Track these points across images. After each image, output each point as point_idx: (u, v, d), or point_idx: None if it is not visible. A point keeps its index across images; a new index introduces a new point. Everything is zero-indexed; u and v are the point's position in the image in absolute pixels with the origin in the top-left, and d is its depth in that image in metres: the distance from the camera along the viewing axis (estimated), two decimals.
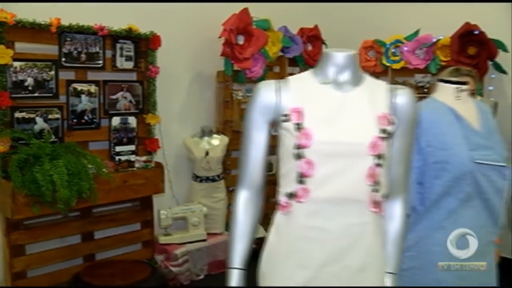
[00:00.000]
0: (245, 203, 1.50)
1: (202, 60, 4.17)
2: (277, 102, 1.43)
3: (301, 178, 1.37)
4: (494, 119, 2.02)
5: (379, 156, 1.36)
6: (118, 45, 3.50)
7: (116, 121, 3.55)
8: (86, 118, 3.40)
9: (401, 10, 4.60)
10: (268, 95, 1.44)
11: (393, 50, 4.34)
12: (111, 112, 3.53)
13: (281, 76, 4.50)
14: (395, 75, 4.45)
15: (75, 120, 3.34)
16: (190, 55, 4.14)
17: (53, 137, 3.21)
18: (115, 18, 3.47)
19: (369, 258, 1.41)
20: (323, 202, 1.37)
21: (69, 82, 3.30)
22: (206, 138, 4.05)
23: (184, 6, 4.01)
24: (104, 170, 3.21)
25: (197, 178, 4.01)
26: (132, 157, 3.59)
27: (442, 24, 4.10)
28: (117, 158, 3.53)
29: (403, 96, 1.45)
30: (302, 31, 4.53)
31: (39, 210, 2.93)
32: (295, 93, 1.43)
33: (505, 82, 4.05)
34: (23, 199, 2.88)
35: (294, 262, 1.41)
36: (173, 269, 3.69)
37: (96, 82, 3.43)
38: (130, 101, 3.62)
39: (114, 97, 3.53)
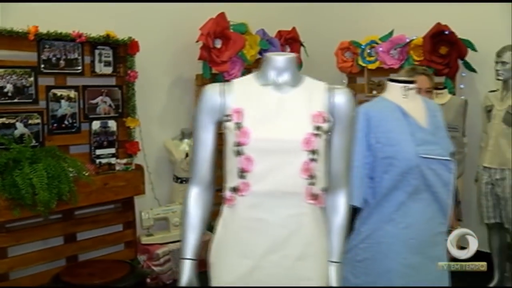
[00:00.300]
0: (195, 198, 1.61)
1: (181, 64, 4.26)
2: (221, 104, 1.53)
3: (242, 173, 1.48)
4: (442, 117, 2.12)
5: (313, 152, 1.47)
6: (97, 51, 3.59)
7: (96, 125, 3.64)
8: (66, 122, 3.49)
9: (377, 11, 4.71)
10: (213, 97, 1.55)
11: (368, 51, 4.45)
12: (91, 116, 3.61)
13: None
14: (371, 75, 4.56)
15: (55, 125, 3.43)
16: (169, 59, 4.23)
17: (34, 141, 3.29)
18: (93, 25, 3.56)
19: (308, 247, 1.51)
20: (263, 195, 1.48)
21: (49, 88, 3.38)
22: (186, 140, 4.14)
23: (162, 11, 4.11)
24: (84, 173, 3.30)
25: (177, 179, 4.10)
26: (113, 160, 3.67)
27: (415, 25, 4.22)
28: (97, 161, 3.62)
29: (341, 96, 1.55)
30: (280, 33, 4.64)
31: (20, 213, 3.00)
32: (237, 94, 1.54)
33: (476, 80, 4.16)
34: (3, 203, 2.96)
35: (238, 252, 1.51)
36: (155, 268, 3.78)
37: (75, 88, 3.52)
38: (110, 105, 3.71)
39: (93, 101, 3.62)
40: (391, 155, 1.93)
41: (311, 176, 1.48)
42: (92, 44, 3.54)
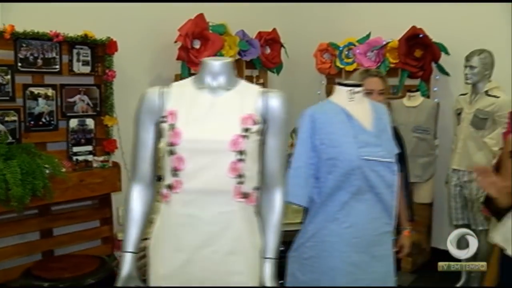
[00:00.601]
0: (137, 195, 1.71)
1: (161, 64, 4.33)
2: (159, 105, 1.63)
3: (174, 171, 1.59)
4: (388, 119, 2.19)
5: (240, 152, 1.56)
6: (75, 51, 3.66)
7: (74, 123, 3.71)
8: (43, 120, 3.56)
9: (355, 13, 4.78)
10: (153, 99, 1.65)
11: (346, 53, 4.52)
12: (68, 114, 3.68)
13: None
14: (348, 76, 4.61)
15: (32, 122, 3.50)
16: (148, 59, 4.31)
17: (10, 138, 3.36)
18: (72, 24, 3.62)
19: (237, 243, 1.60)
20: (194, 192, 1.58)
21: (26, 86, 3.45)
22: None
23: (141, 11, 4.17)
24: (60, 169, 3.37)
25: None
26: (90, 157, 3.75)
27: (392, 27, 4.29)
28: (74, 158, 3.69)
29: (274, 99, 1.65)
30: (260, 34, 4.70)
31: None
32: (174, 97, 1.63)
33: (449, 83, 4.23)
34: None
35: (172, 246, 1.61)
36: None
37: (53, 86, 3.59)
38: (88, 104, 3.78)
39: (71, 100, 3.69)
40: (334, 156, 2.00)
41: (239, 176, 1.57)
42: (70, 43, 3.61)
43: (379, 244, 2.10)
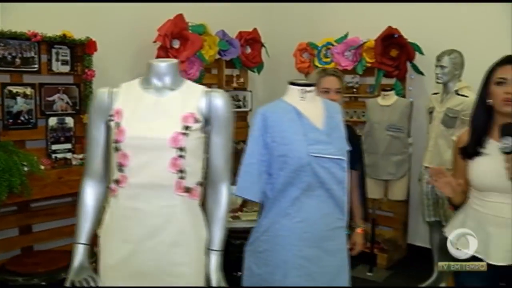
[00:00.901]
0: (89, 189, 1.80)
1: (141, 63, 4.25)
2: (108, 105, 1.72)
3: (120, 167, 1.67)
4: (341, 118, 2.25)
5: (180, 149, 1.65)
6: (54, 50, 3.73)
7: (53, 121, 3.78)
8: (22, 118, 3.63)
9: (335, 13, 4.86)
10: (102, 99, 1.74)
11: (324, 52, 4.59)
12: (47, 112, 3.76)
13: (219, 77, 4.77)
14: None
15: (11, 120, 3.57)
16: (129, 58, 4.37)
17: None
18: (51, 24, 3.71)
19: (180, 235, 1.69)
20: (139, 187, 1.66)
21: (4, 85, 3.53)
22: None
23: (123, 11, 4.23)
24: (38, 166, 3.44)
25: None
26: (69, 155, 3.82)
27: (369, 27, 4.36)
28: (53, 156, 3.77)
29: (217, 99, 1.74)
30: (240, 34, 4.78)
31: None
32: (122, 97, 1.72)
33: (425, 82, 4.30)
34: None
35: (120, 237, 1.69)
36: None
37: (32, 85, 3.66)
38: (67, 103, 3.85)
39: (50, 98, 3.76)
40: (285, 153, 2.07)
41: (180, 171, 1.66)
42: (48, 43, 3.68)
43: (331, 239, 2.16)
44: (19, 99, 3.61)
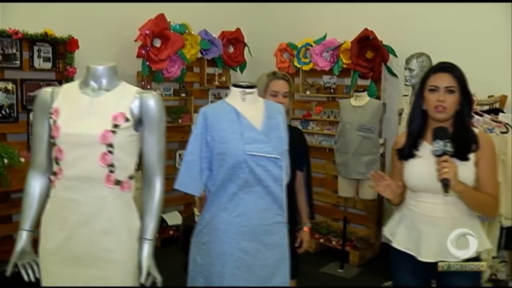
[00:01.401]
0: (33, 181, 1.96)
1: (124, 61, 4.48)
2: (49, 103, 1.88)
3: (56, 160, 1.84)
4: (281, 118, 2.35)
5: (110, 145, 1.80)
6: (36, 47, 3.89)
7: None
8: (3, 112, 3.79)
9: (315, 14, 4.93)
10: (45, 97, 1.90)
11: (303, 53, 4.69)
12: (29, 107, 3.91)
13: (200, 76, 4.90)
14: (306, 76, 4.81)
15: None
16: (112, 56, 4.46)
17: None
18: (35, 22, 3.87)
19: (110, 224, 1.84)
20: (73, 179, 1.82)
21: None
22: None
23: (105, 10, 4.39)
24: (16, 158, 3.60)
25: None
26: None
27: (348, 29, 4.43)
28: None
29: (148, 100, 1.88)
30: (223, 34, 4.89)
31: None
32: (61, 97, 1.89)
33: (399, 84, 4.37)
34: None
35: (57, 224, 1.85)
36: None
37: (13, 81, 3.82)
38: None
39: (32, 94, 3.91)
40: (223, 151, 2.18)
41: (110, 165, 1.81)
42: (30, 40, 3.83)
43: (271, 233, 2.27)
44: (0, 94, 3.76)
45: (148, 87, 4.47)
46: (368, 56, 4.30)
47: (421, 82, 2.20)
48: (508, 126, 3.29)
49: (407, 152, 2.20)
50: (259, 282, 2.29)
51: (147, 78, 4.47)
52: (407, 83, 3.78)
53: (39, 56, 3.92)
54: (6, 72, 3.81)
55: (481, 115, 3.29)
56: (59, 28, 4.00)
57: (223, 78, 4.97)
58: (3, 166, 3.51)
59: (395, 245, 2.25)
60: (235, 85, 2.31)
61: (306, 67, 4.67)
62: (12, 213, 3.94)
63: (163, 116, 1.93)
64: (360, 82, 4.45)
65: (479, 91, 3.66)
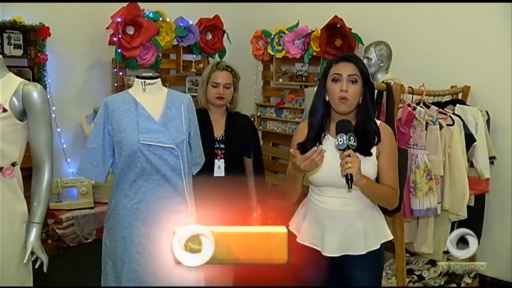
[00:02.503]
0: None
1: (99, 48, 4.64)
2: None
3: None
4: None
5: None
6: (6, 35, 4.04)
7: None
8: None
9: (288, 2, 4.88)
10: None
11: (277, 40, 4.67)
12: None
13: (177, 63, 4.96)
14: (279, 63, 4.79)
15: None
16: (87, 44, 4.64)
17: None
18: (6, 10, 4.02)
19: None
20: None
21: None
22: None
23: None
24: None
25: None
26: None
27: (319, 17, 4.38)
28: None
29: (30, 91, 1.97)
30: (200, 21, 4.93)
31: None
32: None
33: None
34: None
35: None
36: (58, 231, 4.26)
37: None
38: None
39: None
40: (120, 140, 2.25)
41: None
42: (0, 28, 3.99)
43: (173, 220, 2.33)
44: None
45: (121, 73, 4.57)
46: (338, 44, 4.25)
47: (323, 72, 2.16)
48: (455, 118, 3.21)
49: (310, 146, 2.09)
50: (162, 266, 2.35)
51: (120, 65, 4.57)
52: None
53: (9, 43, 4.06)
54: None
55: (428, 107, 3.22)
56: (31, 15, 4.15)
57: (201, 65, 5.01)
58: None
59: (299, 240, 2.20)
60: (138, 76, 2.37)
61: (279, 55, 4.65)
62: None
63: (46, 106, 2.02)
64: None
65: (443, 81, 3.63)
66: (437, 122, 3.14)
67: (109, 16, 4.42)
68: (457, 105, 3.48)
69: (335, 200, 2.12)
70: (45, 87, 4.21)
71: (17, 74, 3.95)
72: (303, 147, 2.12)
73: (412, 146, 3.12)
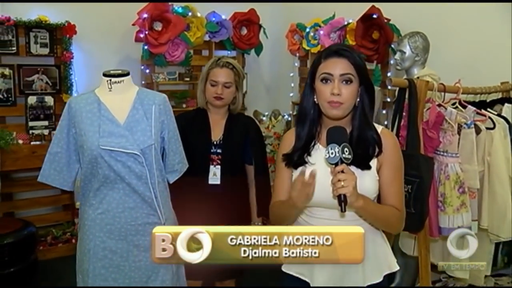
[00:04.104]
0: None
1: (129, 45, 4.51)
2: None
3: None
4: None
5: None
6: (32, 34, 4.02)
7: (32, 99, 4.10)
8: (1, 96, 3.99)
9: None
10: None
11: (312, 34, 4.32)
12: (27, 92, 4.07)
13: (209, 59, 4.71)
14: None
15: None
16: (117, 40, 4.53)
17: None
18: (33, 9, 4.01)
19: None
20: None
21: None
22: None
23: None
24: (9, 141, 3.77)
25: None
26: (46, 131, 4.12)
27: (356, 7, 3.99)
28: (31, 132, 4.09)
29: None
30: (234, 16, 4.68)
31: None
32: None
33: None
34: None
35: None
36: None
37: (10, 66, 3.99)
38: (47, 82, 4.14)
39: (29, 79, 4.08)
40: (81, 144, 2.05)
41: None
42: (26, 27, 3.96)
43: (142, 234, 2.11)
44: None
45: (147, 71, 4.43)
46: (374, 36, 3.84)
47: (311, 69, 1.76)
48: (497, 120, 2.73)
49: (297, 158, 1.76)
50: (131, 284, 2.15)
51: (148, 62, 4.43)
52: (398, 67, 3.33)
53: (36, 42, 4.04)
54: (3, 58, 3.99)
55: (465, 107, 2.76)
56: (57, 13, 4.11)
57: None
58: None
59: (285, 269, 1.82)
60: (105, 74, 2.16)
61: (314, 49, 4.31)
62: (12, 192, 4.16)
63: None
64: (368, 66, 3.98)
65: (492, 77, 3.13)
66: (472, 125, 2.68)
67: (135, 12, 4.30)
68: (506, 104, 2.97)
69: (327, 222, 1.72)
70: (71, 85, 4.18)
71: (44, 72, 4.03)
72: (289, 159, 1.78)
73: (442, 153, 2.70)
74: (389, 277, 1.87)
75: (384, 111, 3.87)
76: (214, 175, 2.62)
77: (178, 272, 2.27)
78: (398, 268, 1.87)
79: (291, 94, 4.75)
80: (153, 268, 2.15)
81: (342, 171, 1.54)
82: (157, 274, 2.16)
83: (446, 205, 2.66)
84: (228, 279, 2.81)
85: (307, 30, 4.36)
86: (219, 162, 2.63)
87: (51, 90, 4.17)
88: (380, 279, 1.79)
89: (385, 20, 3.77)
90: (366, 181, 1.69)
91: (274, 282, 1.87)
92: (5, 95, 4.00)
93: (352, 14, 4.06)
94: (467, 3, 3.44)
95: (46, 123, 4.16)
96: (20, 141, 3.96)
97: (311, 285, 1.76)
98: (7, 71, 3.99)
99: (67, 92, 4.16)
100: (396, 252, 3.35)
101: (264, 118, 4.83)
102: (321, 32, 4.21)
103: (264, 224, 2.71)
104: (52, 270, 3.78)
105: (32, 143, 4.02)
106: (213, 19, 4.55)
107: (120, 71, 2.15)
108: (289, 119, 4.77)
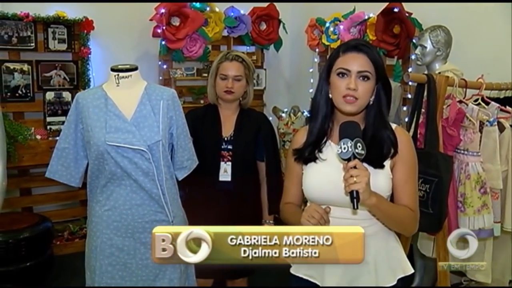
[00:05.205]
0: None
1: (148, 40, 4.49)
2: None
3: None
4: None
5: None
6: (50, 29, 4.03)
7: (50, 95, 4.11)
8: (20, 92, 4.01)
9: None
10: None
11: (332, 29, 4.23)
12: (45, 87, 4.09)
13: None
14: None
15: (9, 94, 3.97)
16: (135, 36, 4.52)
17: None
18: (51, 4, 4.03)
19: None
20: None
21: (2, 62, 3.92)
22: None
23: None
24: (27, 136, 3.79)
25: None
26: (63, 127, 4.12)
27: (378, 2, 3.89)
28: (49, 127, 4.11)
29: None
30: (253, 11, 4.61)
31: None
32: None
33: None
34: None
35: None
36: None
37: (29, 62, 4.01)
38: (64, 78, 4.15)
39: (47, 74, 4.09)
40: (88, 140, 2.02)
41: None
42: (45, 23, 3.98)
43: (150, 231, 2.04)
44: (16, 74, 3.98)
45: (165, 66, 4.40)
46: (395, 31, 3.73)
47: (327, 63, 1.71)
48: None
49: (308, 153, 1.72)
50: (138, 282, 2.12)
51: (166, 58, 4.40)
52: (418, 62, 3.22)
53: (54, 38, 4.05)
54: (22, 54, 4.01)
55: (488, 103, 2.64)
56: (75, 9, 4.11)
57: (254, 57, 4.70)
58: (12, 143, 3.71)
59: (293, 271, 1.78)
60: (113, 69, 2.12)
61: (334, 45, 4.19)
62: (31, 187, 4.19)
63: None
64: (389, 61, 3.88)
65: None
66: (495, 123, 2.57)
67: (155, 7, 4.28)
68: None
69: (338, 222, 1.64)
70: (88, 81, 4.18)
71: (61, 68, 4.03)
72: (300, 154, 1.74)
73: (462, 152, 2.60)
74: (406, 280, 1.79)
75: (405, 108, 3.74)
76: (225, 171, 2.57)
77: (186, 271, 2.22)
78: (412, 271, 1.79)
79: (311, 90, 4.66)
80: (161, 267, 2.11)
81: (355, 167, 1.49)
82: (164, 272, 2.12)
83: (467, 205, 2.56)
84: (240, 278, 2.76)
85: (327, 25, 4.26)
86: (230, 158, 2.57)
87: (69, 85, 4.18)
88: (394, 282, 1.71)
89: (407, 14, 3.64)
90: (380, 180, 1.62)
91: (286, 280, 1.83)
92: (24, 91, 4.03)
93: (372, 8, 3.95)
94: None
95: (63, 118, 4.12)
96: (38, 137, 3.96)
97: (320, 286, 1.70)
98: (25, 67, 4.01)
99: (84, 87, 4.15)
100: (415, 253, 3.28)
101: (283, 115, 4.75)
102: (341, 27, 4.11)
103: (275, 221, 2.64)
104: (68, 265, 3.78)
105: (50, 138, 4.03)
106: (232, 14, 4.49)
107: (128, 66, 2.11)
108: (309, 115, 4.68)
